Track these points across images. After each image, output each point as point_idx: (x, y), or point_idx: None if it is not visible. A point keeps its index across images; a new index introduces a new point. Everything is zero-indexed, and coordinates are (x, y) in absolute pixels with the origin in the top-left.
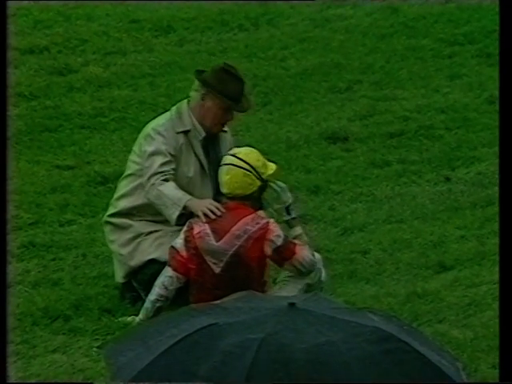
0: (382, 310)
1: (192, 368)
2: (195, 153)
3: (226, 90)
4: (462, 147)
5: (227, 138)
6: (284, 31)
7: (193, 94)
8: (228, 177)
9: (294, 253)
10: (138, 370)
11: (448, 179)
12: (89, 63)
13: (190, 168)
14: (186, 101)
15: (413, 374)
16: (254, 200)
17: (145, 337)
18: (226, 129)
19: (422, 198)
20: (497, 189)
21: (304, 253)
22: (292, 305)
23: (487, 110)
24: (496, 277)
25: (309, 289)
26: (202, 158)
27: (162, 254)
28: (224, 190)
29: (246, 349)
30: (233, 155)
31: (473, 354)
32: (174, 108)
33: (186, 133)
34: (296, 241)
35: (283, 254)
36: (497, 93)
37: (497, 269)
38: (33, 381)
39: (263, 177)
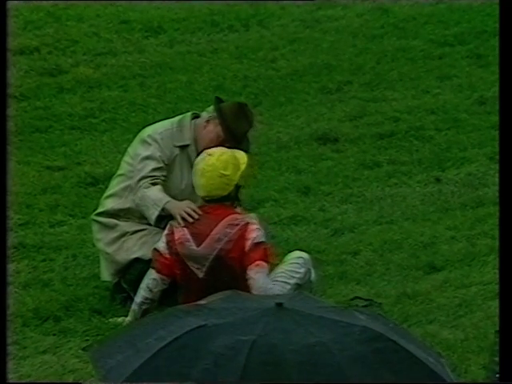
0: (368, 309)
1: (183, 370)
2: (191, 165)
3: (234, 126)
4: (453, 148)
5: None
6: (274, 32)
7: (204, 113)
8: (204, 180)
9: (259, 260)
10: (129, 373)
11: (438, 180)
12: (79, 64)
13: (183, 180)
14: (189, 114)
15: (403, 373)
16: (232, 199)
17: (132, 339)
18: None
19: (413, 199)
20: (487, 189)
21: (260, 276)
22: (279, 305)
23: (477, 111)
24: (486, 278)
25: (298, 289)
26: None
27: (145, 252)
28: (201, 193)
29: (237, 351)
30: (205, 158)
31: (463, 354)
32: (176, 119)
33: (184, 147)
34: (270, 254)
35: (254, 254)
36: (487, 94)
37: (487, 269)
38: (31, 380)
39: (238, 176)
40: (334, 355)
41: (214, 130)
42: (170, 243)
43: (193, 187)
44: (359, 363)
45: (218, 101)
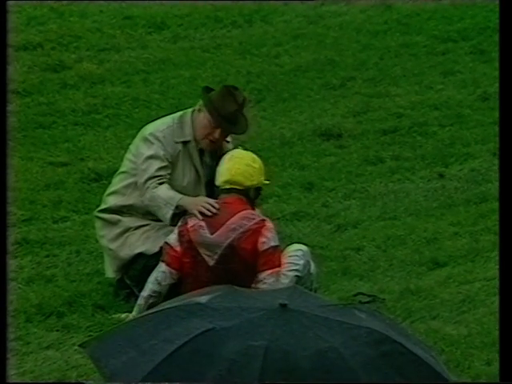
0: (365, 305)
1: (197, 376)
2: (193, 163)
3: (219, 108)
4: (456, 144)
5: (230, 148)
6: (278, 28)
7: (197, 107)
8: (231, 163)
9: (278, 266)
10: (140, 377)
11: (441, 176)
12: (82, 60)
13: (185, 177)
14: (190, 110)
15: (411, 376)
16: (250, 200)
17: (134, 338)
18: (228, 139)
19: (416, 195)
20: (490, 185)
21: (276, 283)
22: (284, 306)
23: (481, 107)
24: (489, 273)
25: (298, 281)
26: (200, 168)
27: (148, 247)
28: (223, 178)
29: (250, 357)
30: (236, 149)
31: (466, 350)
32: (177, 115)
33: (185, 143)
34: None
35: (273, 259)
36: (490, 89)
37: (490, 265)
38: (31, 381)
39: (262, 179)
40: (346, 361)
41: (205, 116)
42: (181, 233)
43: (194, 184)
44: (370, 368)
45: (208, 90)
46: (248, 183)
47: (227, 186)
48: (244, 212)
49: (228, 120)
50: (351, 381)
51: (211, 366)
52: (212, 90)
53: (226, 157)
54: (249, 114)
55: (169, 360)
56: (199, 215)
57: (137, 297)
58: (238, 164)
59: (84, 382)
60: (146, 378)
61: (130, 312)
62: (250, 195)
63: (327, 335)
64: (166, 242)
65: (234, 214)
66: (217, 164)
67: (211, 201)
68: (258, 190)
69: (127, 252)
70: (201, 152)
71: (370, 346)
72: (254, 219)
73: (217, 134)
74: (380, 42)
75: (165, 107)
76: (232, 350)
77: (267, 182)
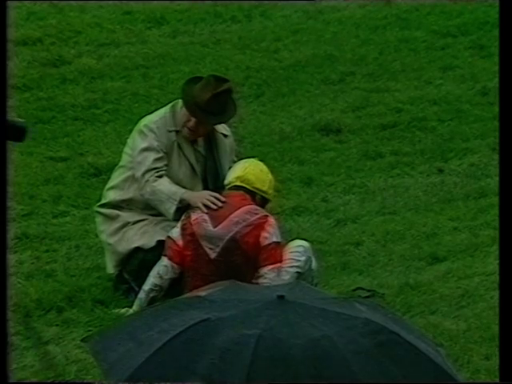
0: (368, 299)
1: (189, 365)
2: (184, 154)
3: (195, 96)
4: (455, 139)
5: (226, 142)
6: (277, 23)
7: None
8: (247, 164)
9: (279, 261)
10: (134, 368)
11: (441, 171)
12: (82, 55)
13: (180, 169)
14: (181, 100)
15: (406, 366)
16: (254, 202)
17: (133, 331)
18: (226, 133)
19: (415, 190)
20: (490, 180)
21: (276, 278)
22: (281, 297)
23: (480, 102)
24: (489, 268)
25: (299, 278)
26: (193, 160)
27: (146, 241)
28: (235, 174)
29: (243, 345)
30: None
31: (465, 345)
32: (169, 105)
33: (177, 132)
34: (285, 249)
35: (275, 254)
36: (490, 84)
37: (490, 260)
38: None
39: (272, 191)
40: (339, 349)
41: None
42: (184, 226)
43: (191, 176)
44: (364, 357)
45: (197, 79)
46: (257, 185)
47: (237, 183)
48: (248, 207)
49: (202, 109)
50: (342, 368)
51: (204, 355)
52: (201, 79)
53: (243, 161)
54: (235, 104)
55: (162, 350)
56: (204, 208)
57: (136, 292)
58: (253, 166)
59: (83, 377)
60: (139, 368)
61: (130, 307)
62: (256, 199)
63: (322, 325)
64: (169, 236)
65: (238, 208)
66: (210, 155)
67: (216, 194)
68: (263, 200)
69: (125, 246)
70: (193, 141)
71: (366, 336)
72: (257, 214)
73: (192, 122)
74: (379, 37)
75: (164, 102)
76: (225, 339)
77: (274, 196)
